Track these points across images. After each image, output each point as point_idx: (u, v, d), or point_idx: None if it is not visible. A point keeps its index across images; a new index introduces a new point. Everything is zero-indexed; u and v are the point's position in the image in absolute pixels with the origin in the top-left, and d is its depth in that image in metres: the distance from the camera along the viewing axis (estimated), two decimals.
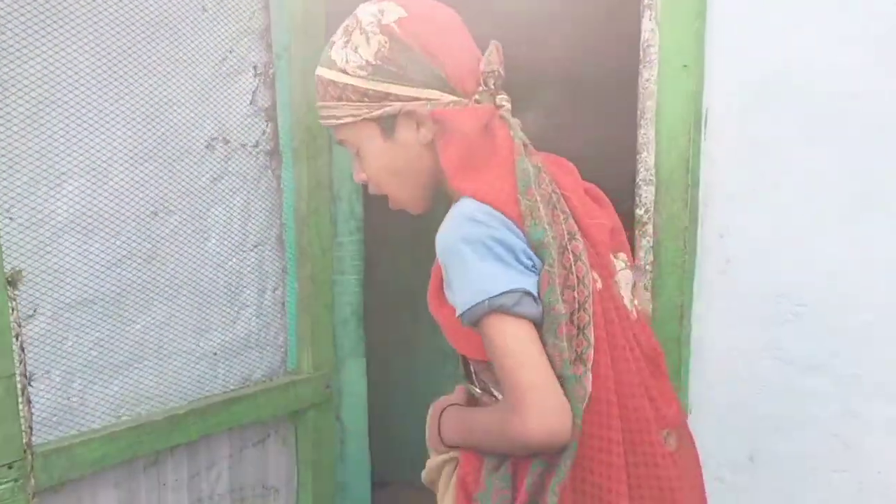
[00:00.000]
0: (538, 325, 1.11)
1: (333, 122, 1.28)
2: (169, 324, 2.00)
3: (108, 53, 1.79)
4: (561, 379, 1.09)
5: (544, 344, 1.10)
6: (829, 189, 1.42)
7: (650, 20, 1.56)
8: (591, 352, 1.12)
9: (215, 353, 2.12)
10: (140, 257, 1.93)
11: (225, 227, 2.11)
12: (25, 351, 1.56)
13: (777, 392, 1.49)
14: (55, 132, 1.71)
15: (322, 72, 1.27)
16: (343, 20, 1.28)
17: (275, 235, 2.24)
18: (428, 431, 1.38)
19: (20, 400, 1.56)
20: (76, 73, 1.73)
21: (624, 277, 1.23)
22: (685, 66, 1.51)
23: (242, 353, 2.17)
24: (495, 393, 1.26)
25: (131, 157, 1.88)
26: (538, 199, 1.13)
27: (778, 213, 1.48)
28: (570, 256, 1.13)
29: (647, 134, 1.59)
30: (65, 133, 1.73)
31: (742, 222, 1.52)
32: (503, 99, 1.23)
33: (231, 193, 2.12)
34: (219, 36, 2.04)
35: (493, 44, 1.23)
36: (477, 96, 1.22)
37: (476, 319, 1.12)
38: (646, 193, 1.60)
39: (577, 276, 1.12)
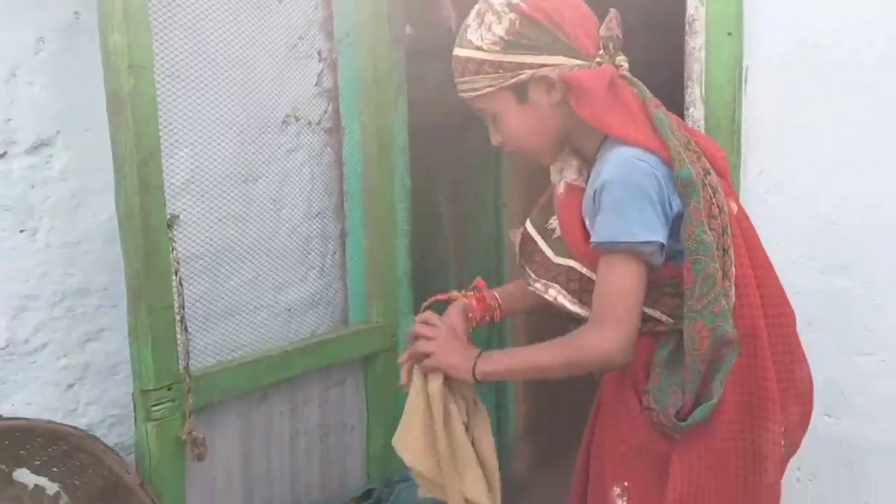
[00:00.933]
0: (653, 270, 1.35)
1: (472, 93, 1.45)
2: (255, 281, 2.21)
3: (205, 37, 2.00)
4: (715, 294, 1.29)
5: (701, 269, 1.29)
6: (857, 133, 1.78)
7: None
8: (734, 268, 1.35)
9: (289, 309, 2.33)
10: (234, 219, 2.14)
11: (296, 195, 2.34)
12: (183, 285, 1.75)
13: (812, 294, 1.84)
14: (177, 104, 1.92)
15: (459, 51, 1.44)
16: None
17: (334, 204, 2.47)
18: (452, 357, 1.49)
19: (178, 329, 1.74)
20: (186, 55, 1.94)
21: None
22: (729, 33, 1.86)
23: (310, 310, 2.39)
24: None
25: (227, 130, 2.09)
26: (678, 143, 1.33)
27: (808, 153, 1.84)
28: (709, 190, 1.35)
29: (693, 92, 1.93)
30: (188, 106, 1.94)
31: (778, 161, 1.87)
32: (622, 60, 1.42)
33: (300, 165, 2.35)
34: (291, 25, 2.28)
35: (612, 11, 1.45)
36: (598, 59, 1.39)
37: (608, 250, 1.34)
38: None
39: (718, 206, 1.36)
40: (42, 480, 1.73)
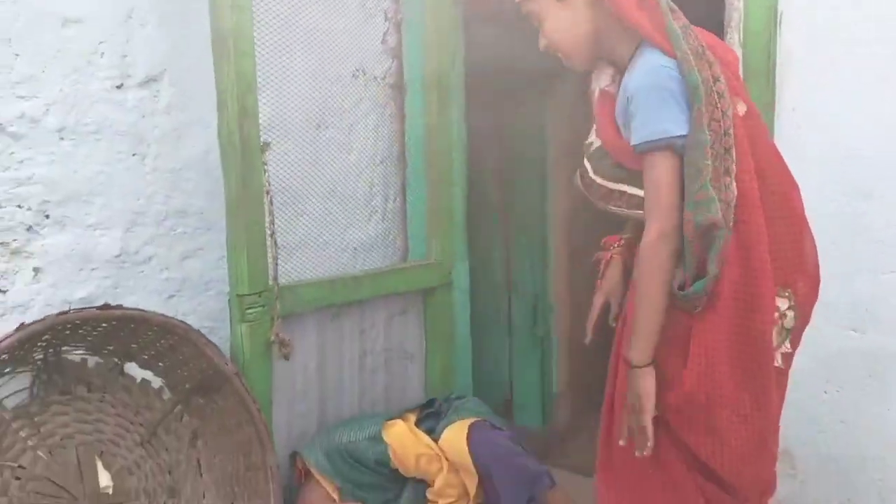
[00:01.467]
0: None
1: None
2: (325, 219, 2.43)
3: None
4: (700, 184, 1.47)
5: (692, 162, 1.48)
6: (880, 69, 1.95)
7: None
8: (734, 165, 1.53)
9: (355, 248, 2.55)
10: (307, 161, 2.36)
11: (362, 144, 2.56)
12: (273, 203, 1.97)
13: (838, 217, 2.01)
14: (268, 47, 2.14)
15: None
16: None
17: (396, 154, 2.69)
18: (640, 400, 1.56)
19: (269, 242, 1.97)
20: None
21: None
22: None
23: (372, 250, 2.61)
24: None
25: (306, 78, 2.32)
26: (689, 52, 1.52)
27: (835, 90, 2.01)
28: (715, 96, 1.52)
29: (732, 37, 2.11)
30: (276, 50, 2.17)
31: (808, 98, 2.05)
32: None
33: (366, 116, 2.57)
34: None
35: None
36: None
37: (650, 149, 1.52)
38: None
39: (722, 110, 1.53)
40: (148, 374, 1.97)
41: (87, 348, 1.85)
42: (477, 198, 3.03)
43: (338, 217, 2.49)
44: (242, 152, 1.90)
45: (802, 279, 1.58)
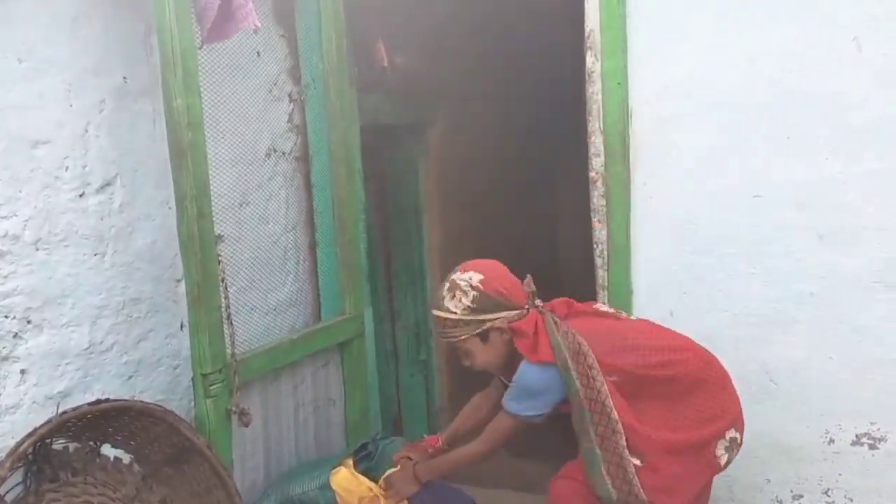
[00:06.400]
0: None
1: (453, 340, 2.19)
2: (250, 287, 2.70)
3: (218, 94, 2.48)
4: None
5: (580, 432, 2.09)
6: (707, 151, 2.51)
7: (591, 56, 2.58)
8: (615, 414, 2.02)
9: (275, 309, 2.83)
10: (233, 238, 2.62)
11: (276, 213, 2.84)
12: (228, 289, 2.24)
13: (682, 268, 2.56)
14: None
15: (440, 314, 2.19)
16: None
17: (304, 220, 2.98)
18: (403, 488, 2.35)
19: (226, 324, 2.23)
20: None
21: None
22: (619, 83, 2.55)
23: (290, 308, 2.90)
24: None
25: (228, 164, 2.56)
26: (567, 356, 2.06)
27: (675, 168, 2.55)
28: (591, 381, 2.04)
29: (593, 125, 2.60)
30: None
31: (655, 175, 2.57)
32: (538, 302, 2.20)
33: (279, 189, 2.85)
34: (268, 73, 2.77)
35: (528, 277, 2.23)
36: (527, 306, 2.17)
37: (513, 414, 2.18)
38: (596, 162, 2.61)
39: (597, 389, 2.04)
40: (119, 452, 2.17)
41: (69, 437, 2.03)
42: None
43: (260, 283, 2.76)
44: (201, 247, 2.15)
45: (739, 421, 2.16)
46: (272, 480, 2.55)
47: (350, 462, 2.59)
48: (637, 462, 2.04)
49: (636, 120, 2.58)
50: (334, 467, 2.52)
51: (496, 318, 2.14)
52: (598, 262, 2.67)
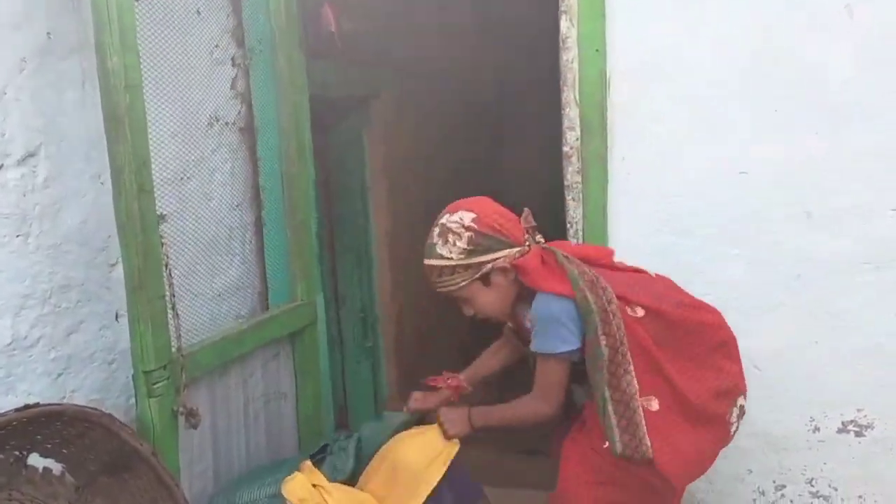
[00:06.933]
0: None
1: (453, 288, 2.00)
2: (193, 270, 2.43)
3: (158, 54, 2.20)
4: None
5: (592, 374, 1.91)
6: (687, 123, 2.36)
7: (566, 20, 2.39)
8: (630, 366, 1.87)
9: (220, 294, 2.57)
10: (176, 216, 2.34)
11: (220, 190, 2.57)
12: (173, 275, 1.98)
13: (653, 248, 2.41)
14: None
15: (433, 262, 1.99)
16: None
17: (250, 197, 2.72)
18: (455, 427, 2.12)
19: (170, 315, 1.97)
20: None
21: None
22: (597, 50, 2.37)
23: (235, 294, 2.64)
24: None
25: (168, 136, 2.28)
26: (585, 288, 1.89)
27: (655, 143, 2.40)
28: (610, 315, 1.87)
29: (568, 96, 2.42)
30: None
31: (634, 150, 2.42)
32: (539, 238, 2.04)
33: (223, 162, 2.58)
34: (210, 33, 2.49)
35: (526, 210, 2.06)
36: (528, 243, 2.00)
37: (545, 355, 1.97)
38: (570, 136, 2.44)
39: (616, 325, 1.87)
40: (49, 462, 1.90)
41: None
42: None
43: (204, 266, 2.49)
44: (142, 228, 1.88)
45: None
46: (221, 486, 2.31)
47: (308, 464, 2.37)
48: (654, 406, 1.90)
49: (614, 91, 2.41)
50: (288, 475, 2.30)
51: (497, 258, 1.97)
52: (573, 242, 2.50)
